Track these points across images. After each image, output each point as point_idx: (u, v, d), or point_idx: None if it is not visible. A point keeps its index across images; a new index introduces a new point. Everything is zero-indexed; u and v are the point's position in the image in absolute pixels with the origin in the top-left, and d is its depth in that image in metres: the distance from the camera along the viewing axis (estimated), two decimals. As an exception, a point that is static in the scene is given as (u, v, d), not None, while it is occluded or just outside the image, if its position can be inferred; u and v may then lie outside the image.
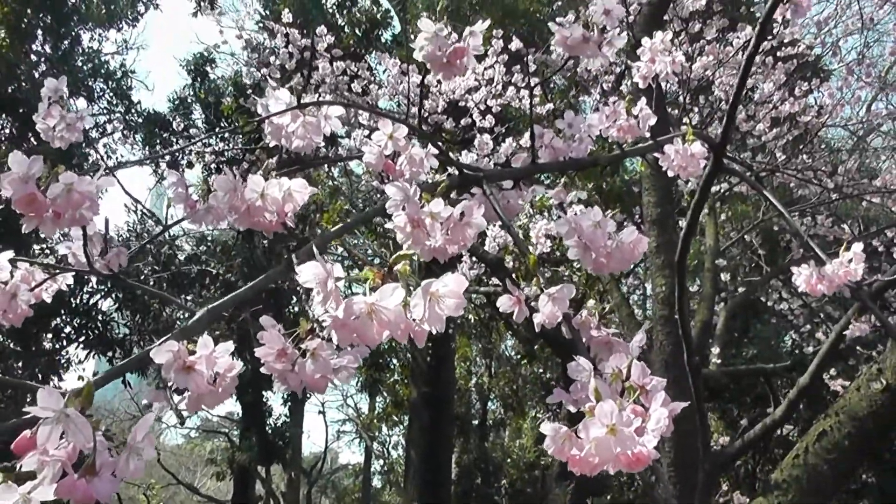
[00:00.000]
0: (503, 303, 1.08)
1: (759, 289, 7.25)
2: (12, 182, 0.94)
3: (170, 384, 0.90)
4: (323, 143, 1.29)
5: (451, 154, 1.31)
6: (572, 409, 0.93)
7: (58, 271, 1.22)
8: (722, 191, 6.57)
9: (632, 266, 7.39)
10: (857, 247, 1.68)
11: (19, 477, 0.67)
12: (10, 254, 1.06)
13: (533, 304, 1.07)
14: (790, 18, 1.72)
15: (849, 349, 5.48)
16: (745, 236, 7.05)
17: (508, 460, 12.25)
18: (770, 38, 6.26)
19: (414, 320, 0.76)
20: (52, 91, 1.48)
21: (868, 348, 6.25)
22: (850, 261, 1.68)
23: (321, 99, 4.43)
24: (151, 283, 7.48)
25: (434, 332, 0.77)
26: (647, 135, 1.70)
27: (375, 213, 1.19)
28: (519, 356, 12.42)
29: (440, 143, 1.27)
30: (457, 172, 1.30)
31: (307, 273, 0.77)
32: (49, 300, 1.27)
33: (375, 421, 14.72)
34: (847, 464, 3.19)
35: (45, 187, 0.97)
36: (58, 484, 0.66)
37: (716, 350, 6.06)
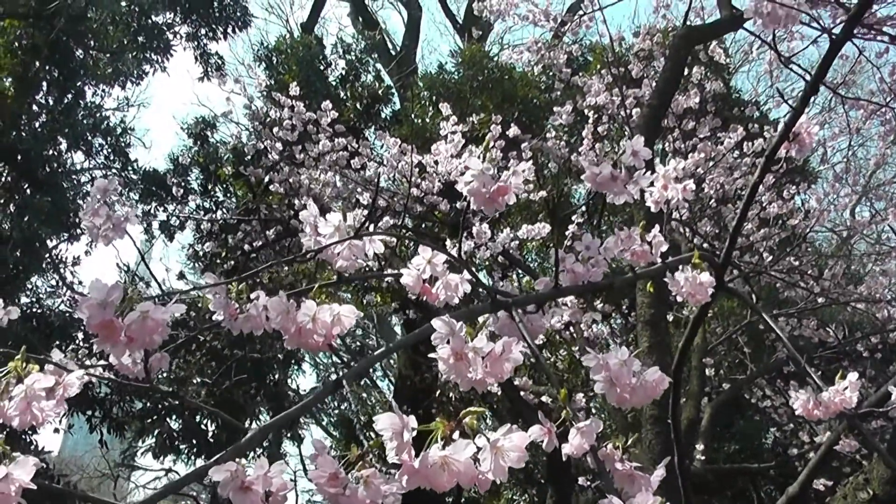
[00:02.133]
0: (534, 431, 1.15)
1: (743, 386, 7.33)
2: (90, 307, 1.01)
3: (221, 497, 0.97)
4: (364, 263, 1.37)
5: (480, 280, 1.39)
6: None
7: (111, 379, 1.28)
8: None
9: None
10: (853, 376, 1.75)
11: None
12: (81, 373, 1.11)
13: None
14: (793, 156, 1.82)
15: (836, 457, 5.54)
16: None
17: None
18: (760, 139, 6.47)
19: (482, 471, 0.83)
20: (101, 191, 1.53)
21: (853, 451, 6.31)
22: (846, 388, 1.75)
23: (322, 182, 4.52)
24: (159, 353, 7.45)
25: (499, 481, 0.84)
26: (659, 260, 1.79)
27: (417, 338, 1.26)
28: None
29: (473, 270, 1.35)
30: (489, 298, 1.38)
31: (384, 423, 0.84)
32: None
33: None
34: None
35: (121, 313, 1.04)
36: None
37: (700, 447, 6.09)
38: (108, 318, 1.02)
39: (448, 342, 1.09)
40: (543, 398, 6.02)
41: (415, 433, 0.85)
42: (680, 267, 1.79)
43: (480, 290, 1.42)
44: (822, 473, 6.71)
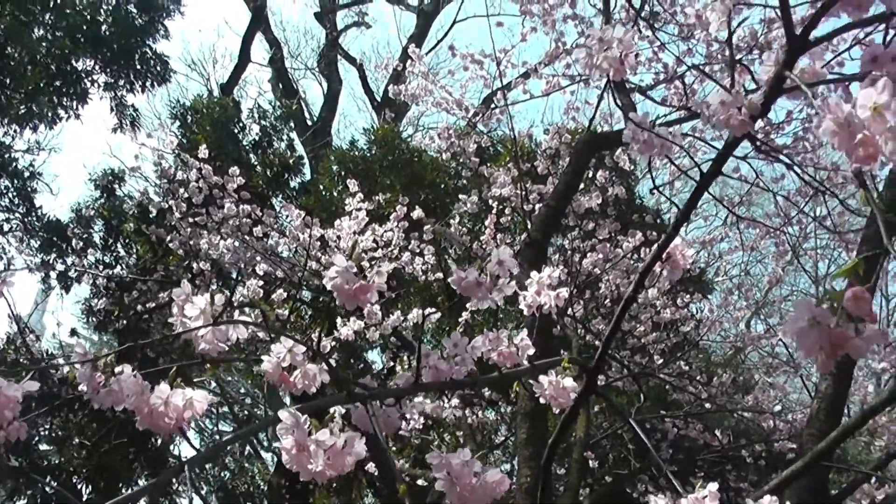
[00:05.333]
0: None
1: (625, 481, 7.44)
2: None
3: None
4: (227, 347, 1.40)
5: (338, 373, 1.44)
6: None
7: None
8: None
9: (500, 440, 7.49)
10: (713, 486, 1.82)
11: None
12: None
13: None
14: (667, 275, 1.92)
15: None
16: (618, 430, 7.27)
17: None
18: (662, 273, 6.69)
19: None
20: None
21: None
22: (706, 497, 1.81)
23: (223, 247, 4.51)
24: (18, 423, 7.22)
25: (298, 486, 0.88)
26: (526, 363, 1.86)
27: (266, 425, 1.30)
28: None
29: (332, 363, 1.40)
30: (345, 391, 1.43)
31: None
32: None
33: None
34: None
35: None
36: None
37: (575, 540, 6.14)
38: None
39: (292, 433, 1.13)
40: (419, 482, 6.02)
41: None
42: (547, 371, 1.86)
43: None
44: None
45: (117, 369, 1.42)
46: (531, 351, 1.85)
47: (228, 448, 14.05)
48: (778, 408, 7.54)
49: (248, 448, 14.41)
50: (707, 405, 6.91)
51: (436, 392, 4.24)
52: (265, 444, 13.91)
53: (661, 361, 6.85)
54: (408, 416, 3.71)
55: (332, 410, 1.27)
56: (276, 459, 11.17)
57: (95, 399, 1.39)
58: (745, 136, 1.59)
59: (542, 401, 1.84)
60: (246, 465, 13.66)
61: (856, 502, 5.23)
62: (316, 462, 1.14)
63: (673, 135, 2.04)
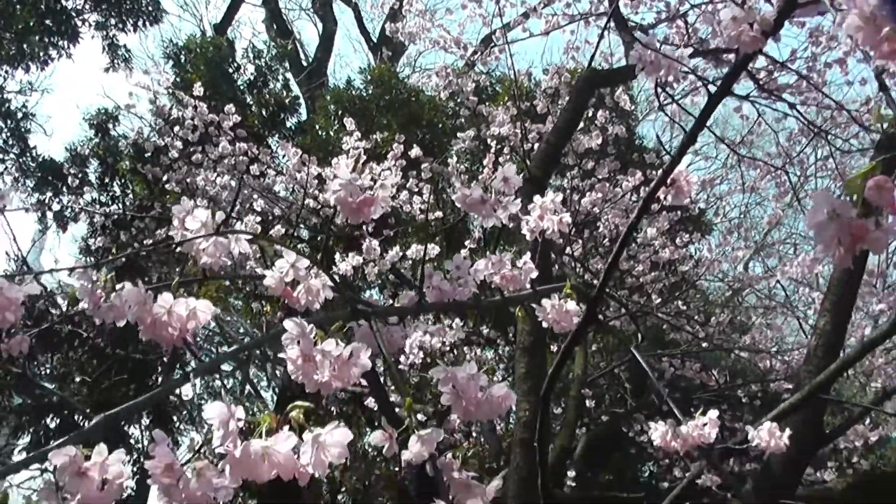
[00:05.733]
0: (376, 438, 1.19)
1: (622, 420, 7.51)
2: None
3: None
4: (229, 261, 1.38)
5: (344, 288, 1.42)
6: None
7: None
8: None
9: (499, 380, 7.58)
10: (713, 413, 1.82)
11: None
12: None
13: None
14: (671, 202, 1.90)
15: (704, 491, 5.72)
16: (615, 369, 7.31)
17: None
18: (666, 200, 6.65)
19: (301, 464, 0.86)
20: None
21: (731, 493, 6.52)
22: (705, 425, 1.81)
23: (218, 185, 4.48)
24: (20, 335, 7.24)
25: (317, 475, 0.87)
26: (528, 286, 1.85)
27: (269, 339, 1.28)
28: (375, 452, 12.34)
29: (336, 278, 1.38)
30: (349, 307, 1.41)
31: (212, 412, 0.87)
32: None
33: None
34: None
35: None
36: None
37: (572, 473, 6.22)
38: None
39: (298, 343, 1.12)
40: (419, 416, 6.06)
41: (241, 423, 0.88)
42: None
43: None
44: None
45: (118, 287, 1.40)
46: (534, 274, 1.83)
47: (231, 386, 14.22)
48: (775, 349, 7.58)
49: (247, 388, 14.53)
50: (704, 344, 6.95)
51: (438, 313, 4.24)
52: (264, 383, 14.04)
53: (659, 301, 6.87)
54: (408, 346, 3.72)
55: (335, 327, 1.25)
56: (275, 399, 11.24)
57: (97, 314, 1.37)
58: (756, 55, 1.56)
59: (544, 325, 1.82)
60: (246, 404, 13.77)
61: (849, 442, 5.29)
62: (322, 372, 1.12)
63: (680, 56, 2.01)
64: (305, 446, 0.87)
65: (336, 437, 0.87)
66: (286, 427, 0.88)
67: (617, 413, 7.37)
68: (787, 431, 1.90)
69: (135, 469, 11.88)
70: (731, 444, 2.78)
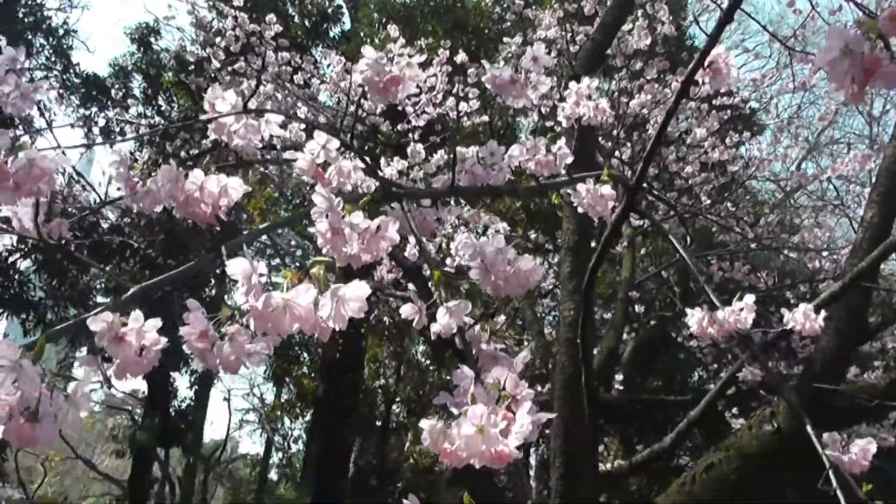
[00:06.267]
0: (406, 311, 1.21)
1: (670, 324, 7.51)
2: (-25, 152, 1.04)
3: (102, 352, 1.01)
4: (261, 144, 1.39)
5: (377, 170, 1.43)
6: (455, 412, 1.05)
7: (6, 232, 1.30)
8: (644, 225, 6.78)
9: (549, 287, 7.59)
10: (749, 298, 1.81)
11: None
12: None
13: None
14: (709, 84, 1.86)
15: (750, 392, 5.72)
16: (663, 272, 7.28)
17: (407, 464, 12.34)
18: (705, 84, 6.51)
19: (321, 317, 0.89)
20: (9, 60, 1.53)
21: (774, 393, 6.52)
22: (742, 310, 1.80)
23: (262, 94, 4.49)
24: (72, 248, 7.40)
25: (337, 328, 0.89)
26: (563, 171, 1.84)
27: (301, 216, 1.30)
28: (428, 362, 12.54)
29: (367, 158, 1.39)
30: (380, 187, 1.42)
31: (235, 267, 0.90)
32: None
33: (279, 412, 14.65)
34: (730, 498, 3.35)
35: (6, 160, 1.06)
36: (4, 426, 0.77)
37: (619, 377, 6.27)
38: (-7, 163, 1.05)
39: (326, 216, 1.14)
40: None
41: (263, 279, 0.91)
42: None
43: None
44: (741, 412, 6.96)
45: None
46: (569, 159, 1.82)
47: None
48: (824, 249, 7.46)
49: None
50: (753, 245, 6.86)
51: (472, 198, 4.24)
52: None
53: (708, 202, 6.78)
54: (454, 248, 3.72)
55: (363, 201, 1.26)
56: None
57: (132, 199, 1.40)
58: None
59: (586, 222, 1.81)
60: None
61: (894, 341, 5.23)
62: (351, 245, 1.14)
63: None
64: (325, 299, 0.89)
65: (355, 290, 0.89)
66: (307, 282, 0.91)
67: (665, 317, 7.37)
68: (823, 313, 1.89)
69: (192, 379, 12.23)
70: (767, 331, 2.77)
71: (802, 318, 1.89)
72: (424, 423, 0.95)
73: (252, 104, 1.38)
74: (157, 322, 1.03)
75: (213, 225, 1.24)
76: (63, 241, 1.37)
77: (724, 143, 6.75)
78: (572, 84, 1.97)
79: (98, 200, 8.61)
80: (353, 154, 1.40)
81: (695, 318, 1.89)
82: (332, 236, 1.13)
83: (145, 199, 1.40)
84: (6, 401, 0.79)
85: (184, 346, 1.04)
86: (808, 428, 1.41)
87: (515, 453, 0.90)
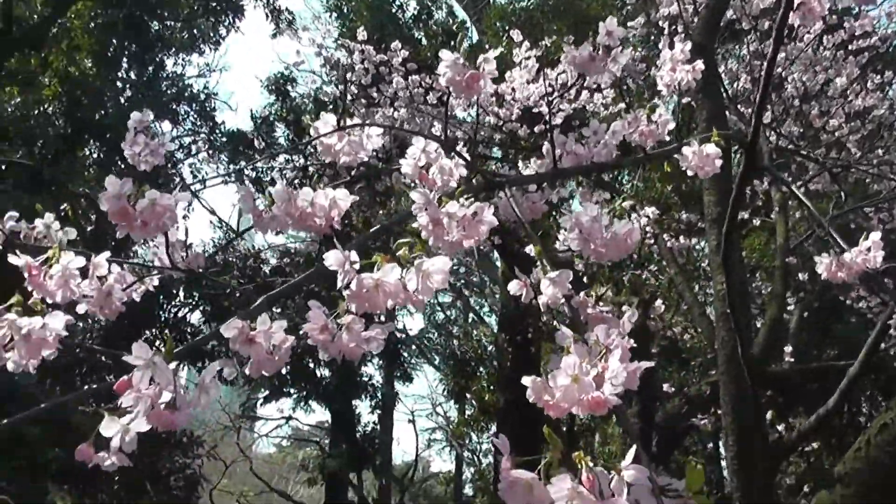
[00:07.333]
0: (513, 287, 1.29)
1: (835, 288, 7.20)
2: (108, 199, 1.20)
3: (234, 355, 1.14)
4: (369, 158, 1.50)
5: (475, 163, 1.51)
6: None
7: (147, 273, 1.47)
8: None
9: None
10: (875, 235, 1.77)
11: (120, 413, 0.92)
12: (107, 254, 1.31)
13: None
14: (802, 23, 1.85)
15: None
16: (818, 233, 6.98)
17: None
18: (841, 30, 6.25)
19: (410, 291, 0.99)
20: (137, 122, 1.71)
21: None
22: (869, 249, 1.77)
23: (399, 119, 4.68)
24: (238, 294, 7.83)
25: (426, 300, 0.99)
26: (668, 138, 1.86)
27: (403, 217, 1.40)
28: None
29: (465, 154, 1.47)
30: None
31: (331, 259, 1.01)
32: (138, 299, 1.52)
33: (464, 428, 14.88)
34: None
35: (134, 202, 1.22)
36: (148, 415, 0.90)
37: (788, 349, 6.08)
38: (122, 206, 1.20)
39: (426, 210, 1.23)
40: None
41: (357, 265, 1.01)
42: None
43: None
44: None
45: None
46: (671, 125, 1.84)
47: (454, 317, 14.88)
48: None
49: (471, 315, 15.11)
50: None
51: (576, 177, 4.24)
52: (487, 309, 14.51)
53: (857, 154, 6.49)
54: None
55: (458, 190, 1.35)
56: (498, 321, 11.57)
57: (260, 226, 1.52)
58: None
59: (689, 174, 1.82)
60: (472, 330, 14.32)
61: None
62: (451, 233, 1.23)
63: None
64: (410, 275, 0.99)
65: (437, 264, 0.99)
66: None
67: (829, 281, 7.05)
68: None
69: (372, 404, 12.66)
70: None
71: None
72: (526, 380, 1.01)
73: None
74: (283, 323, 1.15)
75: (330, 235, 1.35)
76: (200, 270, 1.52)
77: (867, 89, 6.45)
78: (665, 51, 2.00)
79: (254, 248, 9.10)
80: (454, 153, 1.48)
81: (823, 263, 1.87)
82: (433, 227, 1.22)
83: (271, 224, 1.53)
84: (146, 394, 0.92)
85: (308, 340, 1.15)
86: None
87: (613, 399, 0.95)
